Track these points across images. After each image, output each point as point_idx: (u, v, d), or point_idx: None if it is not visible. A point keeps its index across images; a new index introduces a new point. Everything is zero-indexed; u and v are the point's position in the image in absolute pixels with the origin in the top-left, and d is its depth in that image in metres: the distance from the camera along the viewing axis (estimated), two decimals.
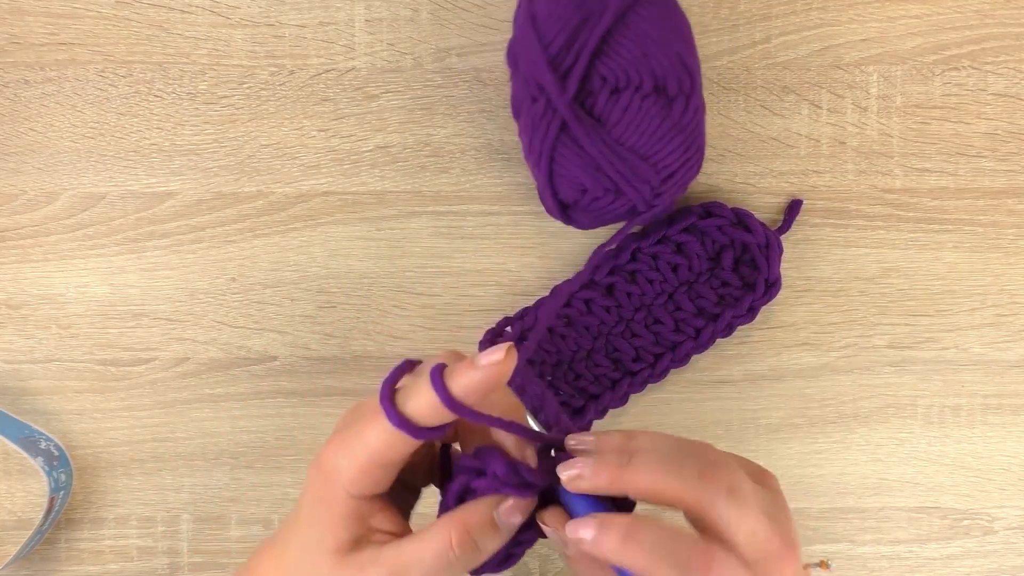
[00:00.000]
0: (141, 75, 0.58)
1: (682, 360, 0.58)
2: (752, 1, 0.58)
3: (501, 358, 0.34)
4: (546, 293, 0.59)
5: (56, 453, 0.59)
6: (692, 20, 0.58)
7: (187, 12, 0.58)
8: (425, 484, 0.42)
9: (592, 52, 0.48)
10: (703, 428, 0.60)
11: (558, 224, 0.57)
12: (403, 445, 0.36)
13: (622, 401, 0.59)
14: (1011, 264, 0.60)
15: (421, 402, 0.35)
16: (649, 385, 0.59)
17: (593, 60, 0.49)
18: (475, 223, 0.59)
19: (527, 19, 0.50)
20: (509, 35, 0.58)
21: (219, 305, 0.60)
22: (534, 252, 0.59)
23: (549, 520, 0.37)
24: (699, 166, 0.52)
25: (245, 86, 0.58)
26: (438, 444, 0.41)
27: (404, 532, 0.37)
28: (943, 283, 0.60)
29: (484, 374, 0.34)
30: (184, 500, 0.60)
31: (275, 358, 0.60)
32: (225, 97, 0.59)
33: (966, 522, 0.61)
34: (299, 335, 0.59)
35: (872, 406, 0.60)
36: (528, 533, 0.39)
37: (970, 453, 0.61)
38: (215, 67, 0.58)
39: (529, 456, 0.37)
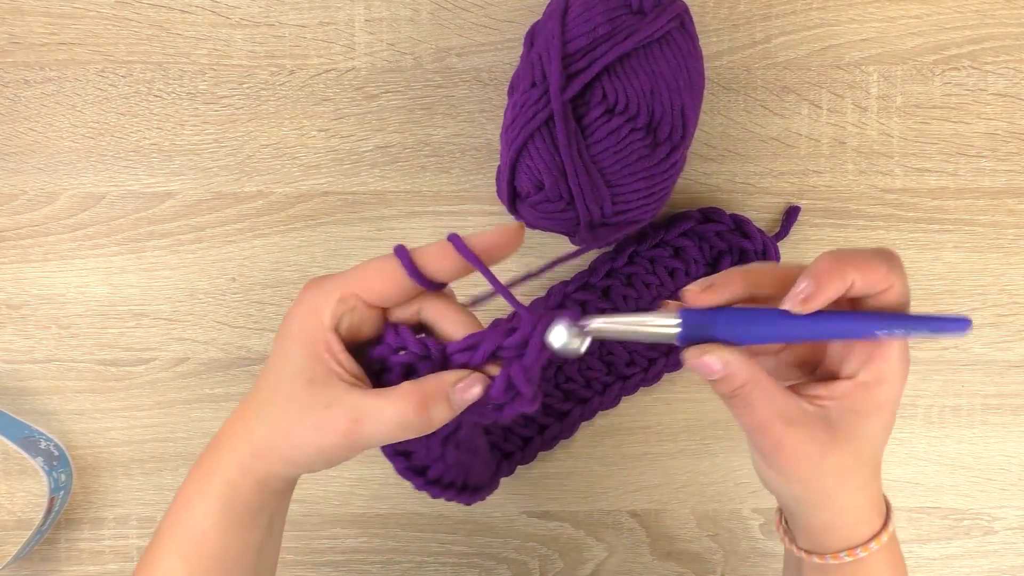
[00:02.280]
0: (141, 75, 0.58)
1: (676, 365, 0.58)
2: (752, 1, 0.58)
3: (515, 229, 0.40)
4: (543, 294, 0.59)
5: (56, 453, 0.59)
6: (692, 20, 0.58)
7: (187, 12, 0.58)
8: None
9: (605, 66, 0.49)
10: (703, 428, 0.60)
11: None
12: (397, 287, 0.40)
13: (613, 403, 0.59)
14: (1011, 264, 0.60)
15: (431, 250, 0.40)
16: (645, 387, 0.59)
17: (602, 74, 0.49)
18: (475, 223, 0.59)
19: (559, 8, 0.50)
20: (509, 35, 0.58)
21: (219, 305, 0.60)
22: (533, 252, 0.59)
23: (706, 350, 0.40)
24: (653, 214, 0.53)
25: (245, 86, 0.58)
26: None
27: (363, 382, 0.40)
28: (943, 283, 0.60)
29: (496, 233, 0.40)
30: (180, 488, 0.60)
31: None
32: (225, 97, 0.59)
33: (966, 522, 0.61)
34: None
35: None
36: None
37: (970, 453, 0.61)
38: (215, 67, 0.58)
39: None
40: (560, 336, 0.39)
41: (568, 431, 0.59)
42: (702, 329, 0.39)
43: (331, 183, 0.59)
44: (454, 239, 0.40)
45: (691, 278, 0.57)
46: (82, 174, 0.59)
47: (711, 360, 0.39)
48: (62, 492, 0.59)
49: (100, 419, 0.60)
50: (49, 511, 0.59)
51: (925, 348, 0.60)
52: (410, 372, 0.41)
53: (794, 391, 0.41)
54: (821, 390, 0.40)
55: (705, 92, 0.59)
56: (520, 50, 0.57)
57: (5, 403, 0.60)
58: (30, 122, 0.59)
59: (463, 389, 0.40)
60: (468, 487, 0.50)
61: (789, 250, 0.59)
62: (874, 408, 0.40)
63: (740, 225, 0.57)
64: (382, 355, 0.41)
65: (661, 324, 0.39)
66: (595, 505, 0.61)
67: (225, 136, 0.59)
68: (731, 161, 0.59)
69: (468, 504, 0.50)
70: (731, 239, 0.57)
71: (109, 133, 0.59)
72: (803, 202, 0.59)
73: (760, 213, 0.59)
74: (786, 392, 0.40)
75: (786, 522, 0.45)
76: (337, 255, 0.59)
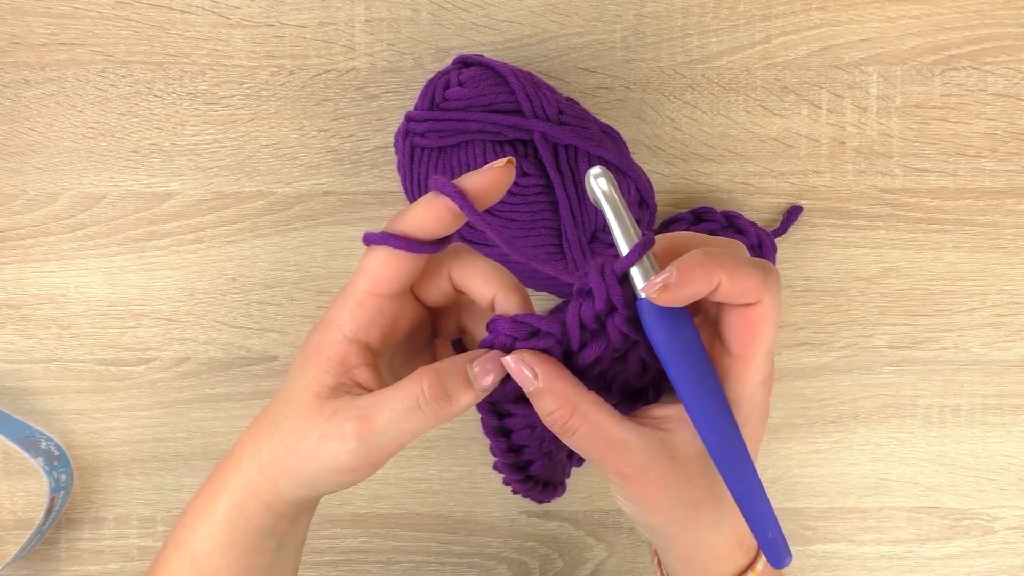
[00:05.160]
0: (141, 75, 0.58)
1: None
2: (752, 1, 0.58)
3: (503, 164, 0.36)
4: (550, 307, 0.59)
5: (56, 453, 0.59)
6: (692, 20, 0.58)
7: (187, 12, 0.58)
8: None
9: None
10: None
11: None
12: (398, 265, 0.37)
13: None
14: (1011, 264, 0.60)
15: (416, 212, 0.37)
16: None
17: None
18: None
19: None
20: (509, 35, 0.58)
21: (219, 305, 0.60)
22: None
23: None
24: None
25: (245, 86, 0.59)
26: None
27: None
28: (943, 283, 0.60)
29: (487, 174, 0.36)
30: (184, 500, 0.60)
31: (275, 358, 0.60)
32: (225, 97, 0.59)
33: (966, 522, 0.61)
34: (299, 335, 0.59)
35: (872, 406, 0.60)
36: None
37: (970, 453, 0.61)
38: (215, 67, 0.58)
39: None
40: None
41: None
42: (648, 318, 0.36)
43: (331, 183, 0.59)
44: (440, 185, 0.36)
45: None
46: (82, 174, 0.59)
47: (526, 368, 0.36)
48: (62, 492, 0.59)
49: (100, 419, 0.60)
50: (49, 511, 0.59)
51: (925, 348, 0.60)
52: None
53: (641, 413, 0.38)
54: (666, 410, 0.38)
55: (705, 92, 0.59)
56: (520, 50, 0.57)
57: (5, 403, 0.60)
58: (30, 122, 0.59)
59: (483, 369, 0.36)
60: (551, 483, 0.46)
61: (789, 250, 0.59)
62: (684, 426, 0.37)
63: (732, 221, 0.57)
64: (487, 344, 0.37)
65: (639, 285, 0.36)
66: (595, 505, 0.61)
67: (225, 136, 0.59)
68: (731, 161, 0.59)
69: (547, 501, 0.47)
70: (725, 236, 0.57)
71: (109, 133, 0.59)
72: (803, 202, 0.59)
73: (760, 213, 0.59)
74: (619, 417, 0.37)
75: (658, 556, 0.43)
76: (337, 255, 0.59)
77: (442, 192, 0.36)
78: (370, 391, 0.37)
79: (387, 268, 0.37)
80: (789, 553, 0.37)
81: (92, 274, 0.59)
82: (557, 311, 0.58)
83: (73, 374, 0.60)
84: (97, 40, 0.58)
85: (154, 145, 0.59)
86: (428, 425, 0.36)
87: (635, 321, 0.36)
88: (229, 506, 0.38)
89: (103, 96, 0.59)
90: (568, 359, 0.37)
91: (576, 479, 0.61)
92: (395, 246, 0.36)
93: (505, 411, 0.39)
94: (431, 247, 0.37)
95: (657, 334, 0.35)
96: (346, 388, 0.37)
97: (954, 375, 0.60)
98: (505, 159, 0.37)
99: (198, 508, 0.39)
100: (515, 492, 0.44)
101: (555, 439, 0.41)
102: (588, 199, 0.52)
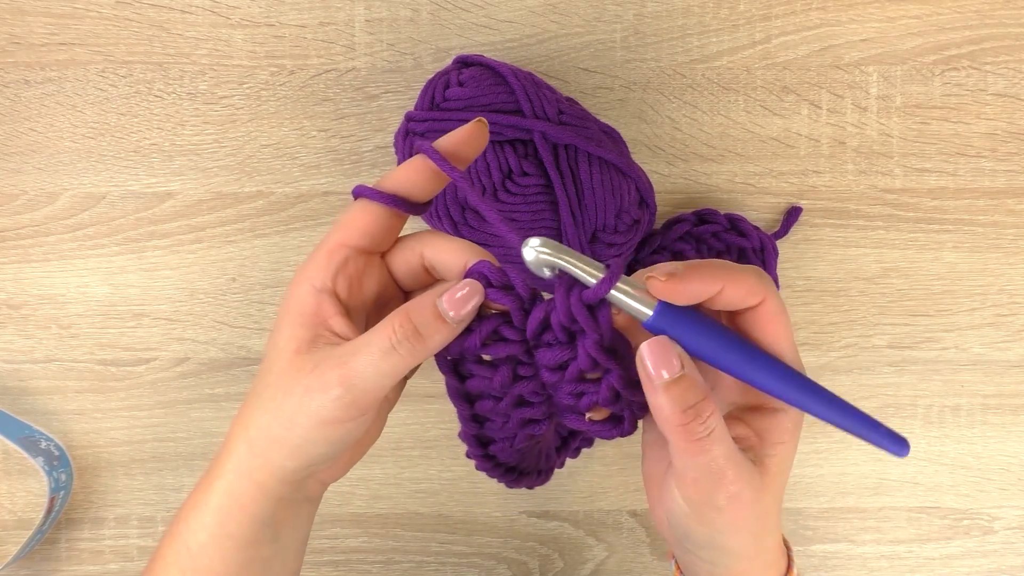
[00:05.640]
0: (141, 75, 0.58)
1: None
2: (752, 1, 0.58)
3: (474, 123, 0.38)
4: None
5: (56, 453, 0.59)
6: (692, 20, 0.58)
7: (187, 12, 0.58)
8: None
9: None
10: None
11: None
12: (374, 218, 0.38)
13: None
14: (1011, 264, 0.60)
15: (401, 171, 0.38)
16: None
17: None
18: None
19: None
20: (509, 35, 0.58)
21: (219, 305, 0.60)
22: None
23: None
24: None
25: (245, 86, 0.59)
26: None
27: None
28: (943, 283, 0.60)
29: (461, 132, 0.38)
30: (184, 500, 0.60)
31: None
32: (225, 97, 0.59)
33: (966, 522, 0.61)
34: None
35: (872, 406, 0.60)
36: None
37: (970, 453, 0.61)
38: (215, 67, 0.58)
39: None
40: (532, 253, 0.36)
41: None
42: (671, 325, 0.36)
43: (331, 183, 0.59)
44: (423, 147, 0.38)
45: None
46: (82, 174, 0.59)
47: (673, 354, 0.35)
48: (62, 492, 0.59)
49: (100, 419, 0.60)
50: (49, 511, 0.59)
51: (925, 348, 0.60)
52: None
53: None
54: (744, 428, 0.38)
55: (705, 92, 0.59)
56: (520, 50, 0.57)
57: (5, 403, 0.60)
58: (30, 122, 0.59)
59: (451, 301, 0.36)
60: (518, 470, 0.46)
61: (789, 250, 0.59)
62: (791, 439, 0.38)
63: (735, 224, 0.57)
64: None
65: (637, 308, 0.36)
66: (595, 505, 0.61)
67: (225, 136, 0.59)
68: (731, 161, 0.59)
69: (518, 487, 0.46)
70: (728, 239, 0.57)
71: (109, 133, 0.59)
72: (803, 202, 0.59)
73: (760, 213, 0.59)
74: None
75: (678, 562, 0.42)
76: None
77: (425, 154, 0.38)
78: (348, 340, 0.37)
79: (361, 219, 0.38)
80: (904, 441, 0.37)
81: (92, 274, 0.59)
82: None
83: (73, 374, 0.60)
84: (97, 40, 0.58)
85: (154, 145, 0.59)
86: (407, 364, 0.36)
87: (610, 350, 0.36)
88: (223, 493, 0.38)
89: (103, 96, 0.59)
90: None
91: (576, 479, 0.61)
92: (381, 201, 0.38)
93: (467, 372, 0.39)
94: (410, 207, 0.38)
95: (688, 333, 0.36)
96: (325, 339, 0.37)
97: (954, 375, 0.60)
98: (476, 119, 0.39)
99: (194, 499, 0.39)
100: (478, 468, 0.43)
101: (520, 425, 0.40)
102: (588, 199, 0.52)
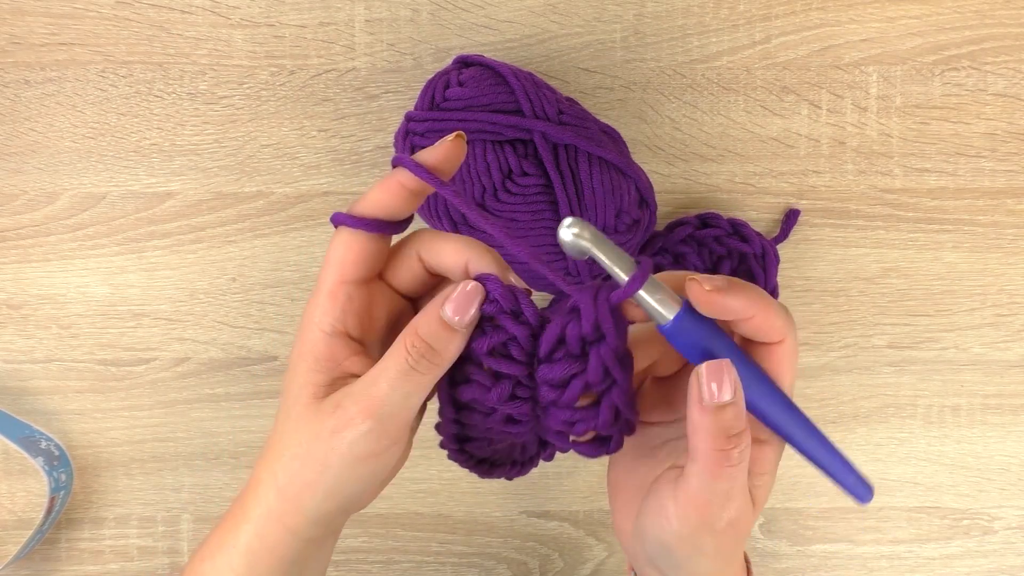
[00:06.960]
0: (141, 75, 0.58)
1: None
2: (752, 1, 0.58)
3: (452, 138, 0.37)
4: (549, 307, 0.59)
5: (56, 453, 0.59)
6: (692, 20, 0.58)
7: (187, 12, 0.58)
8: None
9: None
10: None
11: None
12: (359, 248, 0.37)
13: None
14: (1011, 264, 0.60)
15: (372, 193, 0.37)
16: None
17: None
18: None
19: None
20: (509, 35, 0.58)
21: (219, 305, 0.60)
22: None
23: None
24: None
25: (245, 86, 0.59)
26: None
27: None
28: (943, 283, 0.60)
29: (440, 148, 0.37)
30: (184, 500, 0.60)
31: (275, 358, 0.60)
32: (225, 97, 0.59)
33: (966, 522, 0.61)
34: None
35: (872, 406, 0.60)
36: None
37: (970, 453, 0.61)
38: (215, 67, 0.58)
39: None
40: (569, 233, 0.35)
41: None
42: (689, 332, 0.35)
43: (331, 183, 0.59)
44: (403, 161, 0.36)
45: None
46: (82, 174, 0.59)
47: (728, 377, 0.34)
48: (62, 492, 0.59)
49: (100, 419, 0.60)
50: (49, 511, 0.59)
51: (925, 348, 0.60)
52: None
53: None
54: None
55: (705, 92, 0.59)
56: (520, 50, 0.57)
57: (5, 403, 0.60)
58: (30, 122, 0.59)
59: (456, 306, 0.35)
60: (490, 462, 0.44)
61: (789, 251, 0.59)
62: (773, 470, 0.38)
63: (738, 229, 0.57)
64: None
65: (658, 310, 0.35)
66: (595, 505, 0.61)
67: (225, 136, 0.59)
68: (731, 161, 0.59)
69: (491, 478, 0.45)
70: (729, 243, 0.57)
71: (109, 133, 0.59)
72: (803, 202, 0.59)
73: (760, 213, 0.59)
74: None
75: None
76: None
77: (405, 167, 0.36)
78: (359, 375, 0.37)
79: (350, 252, 0.37)
80: (870, 488, 0.38)
81: (92, 274, 0.59)
82: (550, 309, 0.58)
83: (73, 374, 0.60)
84: (97, 40, 0.58)
85: (154, 145, 0.59)
86: (430, 380, 0.36)
87: (623, 359, 0.35)
88: (252, 536, 0.37)
89: (103, 96, 0.59)
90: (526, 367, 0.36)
91: (576, 479, 0.61)
92: (362, 227, 0.37)
93: (465, 376, 0.38)
94: (392, 227, 0.38)
95: (694, 341, 0.35)
96: (342, 381, 0.37)
97: (954, 375, 0.60)
98: (454, 133, 0.37)
99: (219, 539, 0.38)
100: (449, 458, 0.42)
101: (503, 422, 0.39)
102: (588, 199, 0.52)
